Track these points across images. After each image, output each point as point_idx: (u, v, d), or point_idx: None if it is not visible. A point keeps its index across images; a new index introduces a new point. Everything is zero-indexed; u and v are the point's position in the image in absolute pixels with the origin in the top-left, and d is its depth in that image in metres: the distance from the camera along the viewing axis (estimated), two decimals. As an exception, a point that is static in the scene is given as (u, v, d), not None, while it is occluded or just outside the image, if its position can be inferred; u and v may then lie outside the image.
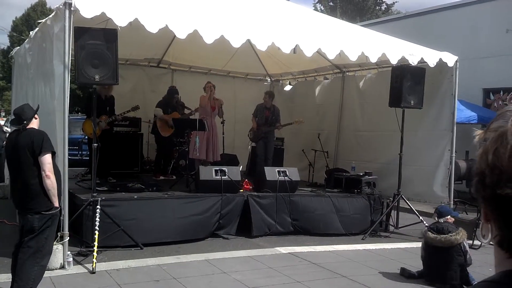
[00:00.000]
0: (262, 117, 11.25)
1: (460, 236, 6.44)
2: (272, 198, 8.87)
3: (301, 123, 11.47)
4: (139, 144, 11.18)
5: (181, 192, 8.73)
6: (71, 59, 6.71)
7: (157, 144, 11.42)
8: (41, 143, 5.03)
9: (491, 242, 1.00)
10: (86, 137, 10.26)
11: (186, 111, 11.28)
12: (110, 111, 9.88)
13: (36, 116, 5.35)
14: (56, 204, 5.17)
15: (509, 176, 0.91)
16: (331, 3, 41.60)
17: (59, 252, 6.39)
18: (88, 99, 10.07)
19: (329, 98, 12.80)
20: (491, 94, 16.66)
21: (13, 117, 5.43)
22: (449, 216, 6.85)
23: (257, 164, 10.83)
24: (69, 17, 6.58)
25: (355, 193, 9.65)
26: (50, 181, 5.06)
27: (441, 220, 6.75)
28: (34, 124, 5.29)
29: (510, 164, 0.92)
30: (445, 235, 6.48)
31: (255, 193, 8.97)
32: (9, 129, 17.58)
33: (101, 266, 6.53)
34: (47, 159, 5.05)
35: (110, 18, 6.92)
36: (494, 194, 0.93)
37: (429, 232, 6.65)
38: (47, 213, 5.10)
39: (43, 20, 7.91)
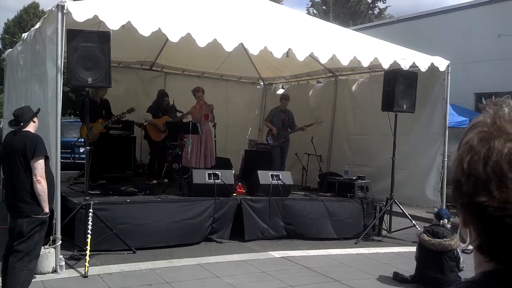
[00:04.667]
0: (278, 121, 11.34)
1: (454, 242, 6.45)
2: (265, 202, 8.86)
3: (321, 123, 11.52)
4: (132, 147, 11.14)
5: (174, 196, 8.69)
6: (63, 62, 6.69)
7: (150, 148, 11.38)
8: (34, 147, 5.00)
9: (469, 246, 1.00)
10: (83, 140, 10.22)
11: (178, 114, 11.24)
12: (106, 114, 9.85)
13: (34, 119, 5.32)
14: (46, 209, 5.14)
15: (483, 184, 0.94)
16: (324, 7, 41.74)
17: (51, 256, 6.35)
18: (83, 103, 10.11)
19: (322, 102, 12.82)
20: (483, 98, 16.75)
21: (11, 117, 5.40)
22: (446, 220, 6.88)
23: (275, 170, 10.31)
24: (62, 20, 6.56)
25: (348, 197, 9.66)
26: (41, 186, 5.02)
27: (448, 225, 6.77)
28: (31, 127, 5.26)
29: (484, 172, 0.94)
30: (439, 239, 6.50)
31: (248, 197, 8.95)
32: None
33: (93, 270, 6.50)
34: (39, 164, 5.02)
35: (102, 21, 6.92)
36: (471, 201, 0.96)
37: (424, 234, 6.67)
38: (36, 217, 5.07)
39: (37, 26, 7.86)
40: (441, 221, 6.80)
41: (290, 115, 11.59)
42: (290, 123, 11.53)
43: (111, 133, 10.56)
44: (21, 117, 5.23)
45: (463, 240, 1.04)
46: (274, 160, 11.24)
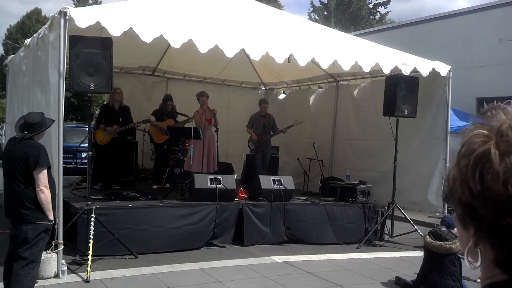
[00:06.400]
0: (259, 126, 11.37)
1: (456, 246, 6.43)
2: (267, 206, 8.87)
3: (301, 123, 11.55)
4: (134, 152, 11.16)
5: (176, 201, 8.70)
6: (66, 67, 6.73)
7: (156, 152, 11.45)
8: (37, 158, 5.00)
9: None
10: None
11: (180, 118, 11.25)
12: (123, 121, 9.93)
13: (42, 133, 5.36)
14: (51, 217, 5.15)
15: (509, 205, 0.87)
16: (325, 13, 41.83)
17: (54, 261, 6.37)
18: (101, 110, 10.29)
19: (323, 107, 12.84)
20: (484, 103, 16.75)
21: (20, 122, 5.38)
22: (456, 228, 6.82)
23: (257, 174, 10.69)
24: (64, 26, 6.60)
25: (350, 202, 9.65)
26: (45, 195, 5.04)
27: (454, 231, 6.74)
28: (36, 137, 5.28)
29: (506, 191, 0.87)
30: (440, 242, 6.49)
31: (250, 202, 8.96)
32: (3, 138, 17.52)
33: (95, 275, 6.50)
34: (42, 174, 5.03)
35: (104, 27, 6.96)
36: (495, 225, 0.89)
37: (427, 236, 6.66)
38: (41, 223, 5.09)
39: (40, 32, 7.91)
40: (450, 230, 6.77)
41: (270, 118, 11.65)
42: (271, 127, 11.59)
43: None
44: (30, 127, 5.23)
45: (471, 262, 0.97)
46: (256, 164, 11.29)
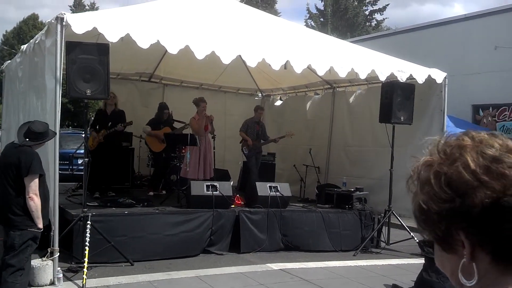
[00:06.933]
0: (253, 132, 11.39)
1: None
2: (264, 213, 8.85)
3: (292, 136, 11.58)
4: (130, 158, 11.13)
5: (172, 208, 8.67)
6: (62, 73, 6.72)
7: (154, 160, 11.40)
8: (29, 165, 4.98)
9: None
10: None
11: (177, 125, 11.23)
12: (112, 126, 9.85)
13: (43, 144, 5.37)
14: (40, 225, 5.11)
15: (483, 186, 0.91)
16: (322, 19, 41.95)
17: (49, 268, 6.33)
18: (95, 114, 10.26)
19: (319, 114, 12.86)
20: (480, 110, 16.80)
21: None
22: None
23: (252, 180, 10.64)
24: (61, 32, 6.60)
25: (346, 209, 9.64)
26: (34, 203, 5.01)
27: None
28: (34, 146, 5.26)
29: (476, 176, 0.93)
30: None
31: (247, 209, 8.94)
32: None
33: (91, 282, 6.47)
34: (33, 181, 5.00)
35: (101, 33, 6.96)
36: (483, 207, 0.91)
37: (427, 239, 6.64)
38: (29, 230, 5.05)
39: (37, 37, 7.90)
40: None
41: (263, 126, 11.79)
42: (263, 135, 11.67)
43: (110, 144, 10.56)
44: (34, 135, 5.22)
45: (468, 278, 0.97)
46: (252, 170, 11.31)
